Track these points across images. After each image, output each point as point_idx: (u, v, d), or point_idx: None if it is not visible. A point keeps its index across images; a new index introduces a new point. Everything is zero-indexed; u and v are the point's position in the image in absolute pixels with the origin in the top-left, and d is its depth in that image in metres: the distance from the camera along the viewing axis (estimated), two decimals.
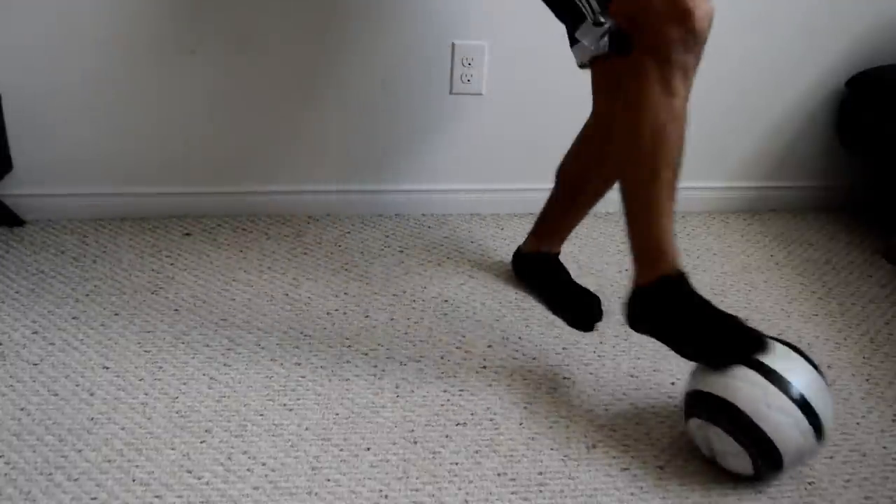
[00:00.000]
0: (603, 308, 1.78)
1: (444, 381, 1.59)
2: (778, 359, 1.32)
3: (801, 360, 1.34)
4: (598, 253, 2.01)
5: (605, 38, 1.41)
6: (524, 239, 1.88)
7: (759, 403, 1.28)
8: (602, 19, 1.40)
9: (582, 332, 1.74)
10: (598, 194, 1.73)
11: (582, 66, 1.53)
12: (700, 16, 1.30)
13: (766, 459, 1.32)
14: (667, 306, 1.37)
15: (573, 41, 1.49)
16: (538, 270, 1.85)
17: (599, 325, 1.76)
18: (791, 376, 1.30)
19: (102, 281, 1.83)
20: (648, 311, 1.41)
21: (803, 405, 1.29)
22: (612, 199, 2.21)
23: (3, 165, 1.94)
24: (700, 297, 1.37)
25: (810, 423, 1.30)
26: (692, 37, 1.32)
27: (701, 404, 1.35)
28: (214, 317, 1.73)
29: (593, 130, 1.65)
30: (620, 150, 1.42)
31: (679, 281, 1.37)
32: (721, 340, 1.34)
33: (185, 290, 1.81)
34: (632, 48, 1.37)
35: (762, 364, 1.30)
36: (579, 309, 1.77)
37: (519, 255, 1.89)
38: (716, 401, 1.32)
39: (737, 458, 1.34)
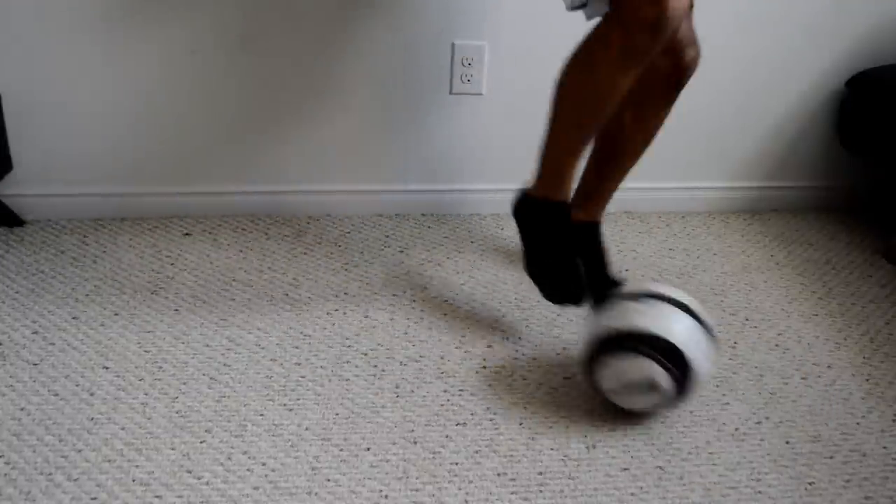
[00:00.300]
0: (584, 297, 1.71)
1: (444, 381, 1.59)
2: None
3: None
4: None
5: None
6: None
7: (667, 322, 1.44)
8: None
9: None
10: (636, 152, 1.77)
11: (571, 9, 1.58)
12: (675, 5, 1.32)
13: (684, 376, 1.43)
14: (542, 220, 1.63)
15: None
16: (586, 242, 1.81)
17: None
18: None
19: (102, 281, 1.83)
20: (528, 215, 1.64)
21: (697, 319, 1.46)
22: (611, 199, 2.21)
23: (3, 165, 1.94)
24: (565, 233, 1.62)
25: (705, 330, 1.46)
26: (663, 21, 1.34)
27: (617, 341, 1.44)
28: (214, 317, 1.73)
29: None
30: (560, 97, 1.54)
31: (561, 209, 1.61)
32: (550, 276, 1.63)
33: (185, 290, 1.81)
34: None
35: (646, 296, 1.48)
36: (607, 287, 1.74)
37: (578, 221, 1.80)
38: (633, 333, 1.44)
39: (652, 386, 1.43)
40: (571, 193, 1.62)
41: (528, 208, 1.63)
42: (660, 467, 1.42)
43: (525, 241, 1.66)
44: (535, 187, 1.62)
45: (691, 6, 1.50)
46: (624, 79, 1.43)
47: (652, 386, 1.42)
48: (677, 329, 1.43)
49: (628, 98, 1.57)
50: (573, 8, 1.57)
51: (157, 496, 1.33)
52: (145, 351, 1.63)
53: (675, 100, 1.66)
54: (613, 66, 1.42)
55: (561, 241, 1.62)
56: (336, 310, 1.77)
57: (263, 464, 1.39)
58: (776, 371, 1.66)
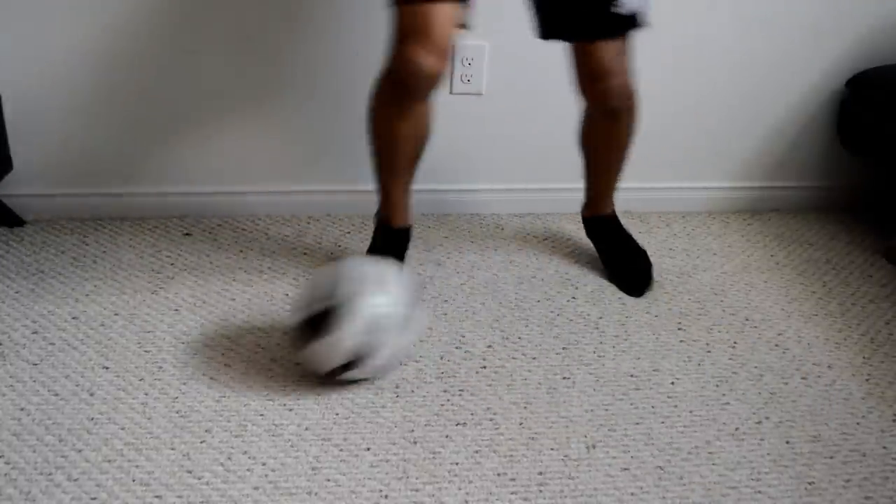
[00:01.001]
0: (653, 274, 1.90)
1: (444, 381, 1.59)
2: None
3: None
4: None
5: None
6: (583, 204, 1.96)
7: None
8: None
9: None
10: (612, 161, 1.86)
11: None
12: (413, 69, 1.52)
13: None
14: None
15: None
16: (598, 233, 1.96)
17: (595, 329, 1.76)
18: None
19: (102, 281, 1.83)
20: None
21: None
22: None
23: (3, 165, 1.94)
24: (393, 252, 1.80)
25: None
26: (412, 80, 1.55)
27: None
28: (214, 317, 1.73)
29: None
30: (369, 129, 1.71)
31: (394, 233, 1.82)
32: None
33: (185, 290, 1.81)
34: None
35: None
36: (630, 275, 1.89)
37: (584, 219, 1.98)
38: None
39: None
40: (406, 218, 1.81)
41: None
42: (660, 467, 1.42)
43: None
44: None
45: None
46: (395, 118, 1.63)
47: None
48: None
49: (593, 114, 1.76)
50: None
51: (157, 496, 1.33)
52: (145, 351, 1.63)
53: (622, 124, 1.75)
54: (380, 103, 1.64)
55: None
56: None
57: (263, 464, 1.39)
58: (776, 371, 1.66)
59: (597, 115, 1.75)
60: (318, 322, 1.47)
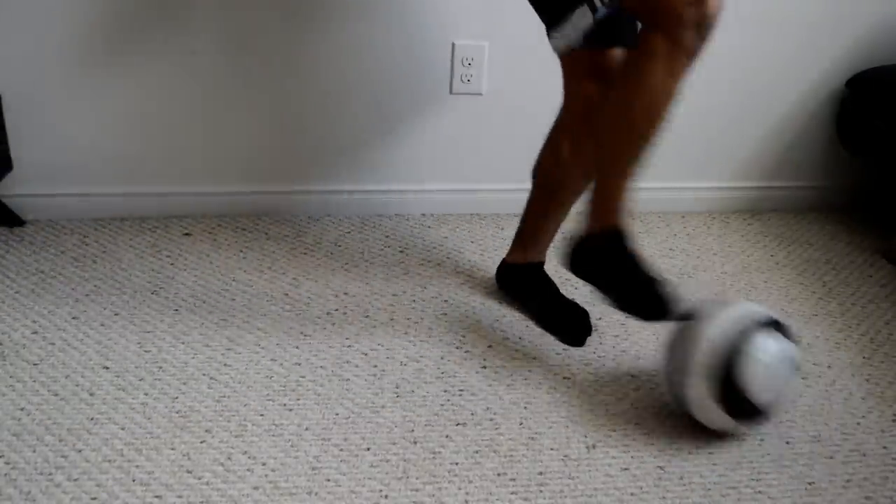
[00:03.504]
0: (591, 322, 1.75)
1: (444, 381, 1.59)
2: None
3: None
4: None
5: (583, 30, 1.46)
6: (508, 250, 1.81)
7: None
8: (599, 4, 1.42)
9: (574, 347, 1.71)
10: (577, 191, 1.68)
11: (560, 53, 1.55)
12: (713, 2, 1.35)
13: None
14: (605, 254, 1.52)
15: (555, 27, 1.51)
16: (525, 283, 1.79)
17: (595, 332, 1.76)
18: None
19: (102, 281, 1.83)
20: (589, 257, 1.54)
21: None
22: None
23: (3, 165, 1.94)
24: (634, 254, 1.50)
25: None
26: (705, 20, 1.37)
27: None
28: (214, 317, 1.73)
29: (570, 119, 1.63)
30: (609, 120, 1.49)
31: (621, 235, 1.50)
32: (638, 299, 1.52)
33: (185, 290, 1.81)
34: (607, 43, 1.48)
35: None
36: (569, 325, 1.73)
37: (504, 267, 1.82)
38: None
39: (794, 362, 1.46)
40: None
41: (599, 248, 1.55)
42: (660, 467, 1.42)
43: (598, 284, 1.58)
44: (595, 225, 1.54)
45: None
46: (676, 82, 1.44)
47: (794, 363, 1.45)
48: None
49: (567, 128, 1.61)
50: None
51: (157, 496, 1.33)
52: (145, 351, 1.63)
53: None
54: (663, 72, 1.42)
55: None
56: (336, 310, 1.77)
57: (263, 464, 1.39)
58: None
59: (588, 122, 1.57)
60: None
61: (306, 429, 1.47)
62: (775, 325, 1.44)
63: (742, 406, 1.41)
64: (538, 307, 1.77)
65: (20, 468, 1.36)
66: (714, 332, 1.41)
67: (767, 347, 1.41)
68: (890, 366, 1.69)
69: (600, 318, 1.78)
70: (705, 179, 2.21)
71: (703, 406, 1.43)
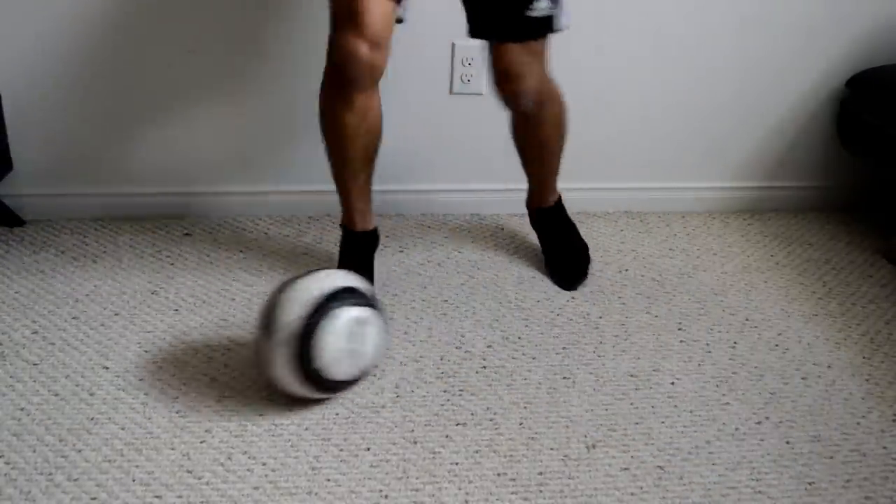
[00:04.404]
0: (588, 269, 1.92)
1: (444, 381, 1.59)
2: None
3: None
4: (599, 253, 2.01)
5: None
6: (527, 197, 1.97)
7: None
8: None
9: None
10: (538, 156, 1.89)
11: None
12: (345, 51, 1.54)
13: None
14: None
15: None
16: (540, 225, 1.98)
17: (595, 331, 1.76)
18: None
19: (102, 281, 1.83)
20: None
21: None
22: (610, 199, 2.22)
23: (3, 165, 1.94)
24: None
25: None
26: (343, 62, 1.56)
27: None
28: (214, 317, 1.73)
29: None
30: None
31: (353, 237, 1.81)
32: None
33: (185, 290, 1.81)
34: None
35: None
36: (563, 267, 1.92)
37: (528, 210, 1.99)
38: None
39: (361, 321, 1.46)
40: (366, 222, 1.81)
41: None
42: (660, 467, 1.42)
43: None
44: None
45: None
46: (340, 109, 1.62)
47: (361, 321, 1.46)
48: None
49: (511, 114, 1.78)
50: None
51: (157, 496, 1.33)
52: (145, 351, 1.63)
53: (540, 124, 1.78)
54: (326, 96, 1.64)
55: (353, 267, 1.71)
56: None
57: (263, 464, 1.39)
58: (776, 371, 1.66)
59: (514, 116, 1.77)
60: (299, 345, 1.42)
61: (306, 429, 1.47)
62: (348, 293, 1.46)
63: (319, 379, 1.44)
64: (546, 247, 1.98)
65: (20, 468, 1.36)
66: (289, 305, 1.43)
67: (333, 323, 1.42)
68: (890, 366, 1.69)
69: (601, 318, 1.78)
70: (705, 179, 2.21)
71: (283, 377, 1.45)
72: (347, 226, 1.81)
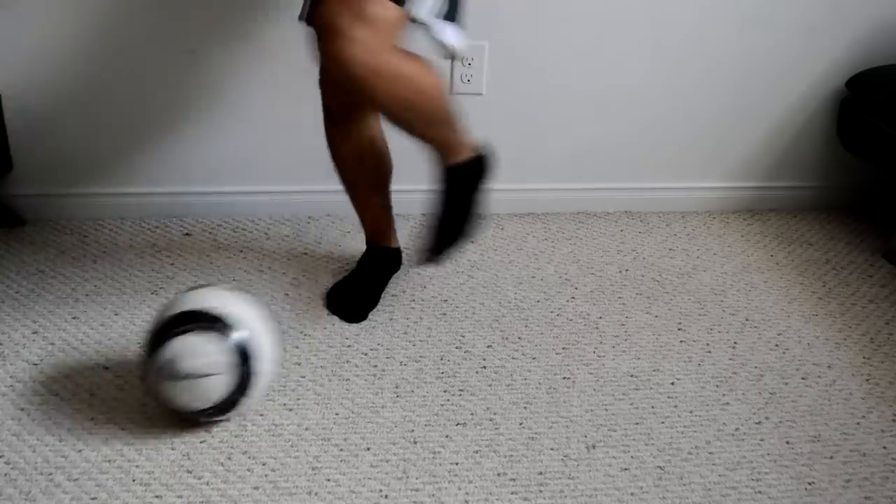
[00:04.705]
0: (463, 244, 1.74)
1: (444, 381, 1.59)
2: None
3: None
4: (599, 253, 2.01)
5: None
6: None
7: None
8: None
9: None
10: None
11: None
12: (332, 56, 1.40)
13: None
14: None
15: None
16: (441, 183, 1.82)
17: (595, 331, 1.76)
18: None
19: (102, 281, 1.83)
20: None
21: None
22: (610, 199, 2.22)
23: (3, 165, 1.94)
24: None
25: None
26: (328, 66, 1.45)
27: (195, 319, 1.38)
28: None
29: None
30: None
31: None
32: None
33: (185, 290, 1.81)
34: None
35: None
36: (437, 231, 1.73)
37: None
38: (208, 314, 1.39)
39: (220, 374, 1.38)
40: (384, 240, 1.85)
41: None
42: (660, 467, 1.42)
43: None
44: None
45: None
46: (339, 140, 1.69)
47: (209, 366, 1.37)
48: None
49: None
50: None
51: (157, 496, 1.33)
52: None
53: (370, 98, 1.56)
54: (326, 128, 1.68)
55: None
56: None
57: (263, 464, 1.39)
58: (776, 371, 1.66)
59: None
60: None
61: (306, 429, 1.47)
62: (188, 320, 1.39)
63: (191, 412, 1.41)
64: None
65: (20, 468, 1.36)
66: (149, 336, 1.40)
67: (161, 366, 1.37)
68: (890, 366, 1.69)
69: (601, 318, 1.78)
70: (705, 179, 2.21)
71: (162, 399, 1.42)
72: (369, 242, 1.86)
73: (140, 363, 1.44)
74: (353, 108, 1.64)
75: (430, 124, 1.59)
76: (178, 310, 1.40)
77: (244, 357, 1.38)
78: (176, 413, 1.42)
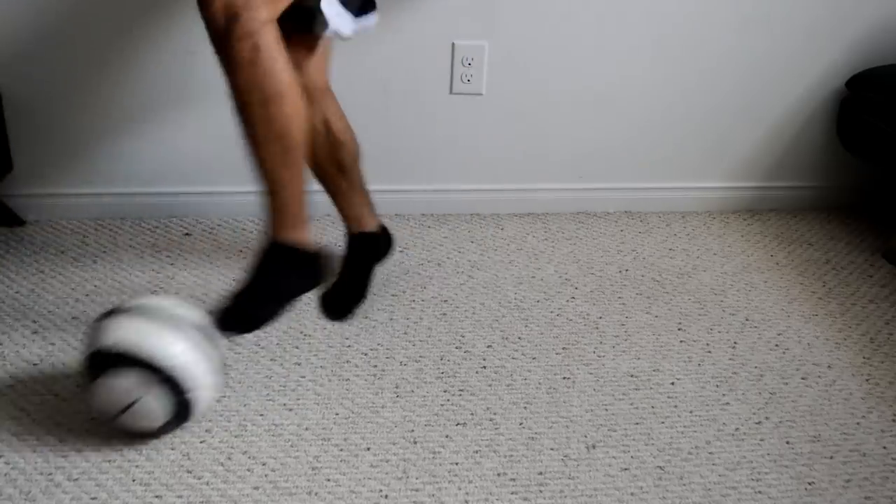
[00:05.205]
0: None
1: (444, 381, 1.59)
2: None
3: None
4: (599, 253, 2.01)
5: None
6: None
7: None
8: None
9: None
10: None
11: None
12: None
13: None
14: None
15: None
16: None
17: (595, 331, 1.76)
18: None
19: (102, 281, 1.83)
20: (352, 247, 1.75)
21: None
22: (610, 199, 2.22)
23: (3, 165, 1.94)
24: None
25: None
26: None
27: (117, 359, 1.33)
28: None
29: None
30: None
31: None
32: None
33: (185, 290, 1.81)
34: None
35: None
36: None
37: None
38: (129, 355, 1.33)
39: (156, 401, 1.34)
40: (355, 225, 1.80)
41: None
42: (660, 467, 1.43)
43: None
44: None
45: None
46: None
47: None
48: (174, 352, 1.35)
49: None
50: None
51: (157, 496, 1.33)
52: None
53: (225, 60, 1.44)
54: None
55: None
56: None
57: (263, 464, 1.39)
58: (776, 371, 1.66)
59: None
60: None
61: (306, 429, 1.47)
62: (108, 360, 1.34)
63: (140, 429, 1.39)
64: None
65: (20, 468, 1.36)
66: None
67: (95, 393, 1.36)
68: (890, 366, 1.69)
69: (601, 318, 1.78)
70: (705, 179, 2.21)
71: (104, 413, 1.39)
72: (347, 229, 1.83)
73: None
74: (309, 91, 1.55)
75: (278, 153, 1.43)
76: (94, 348, 1.35)
77: (175, 388, 1.35)
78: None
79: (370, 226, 1.82)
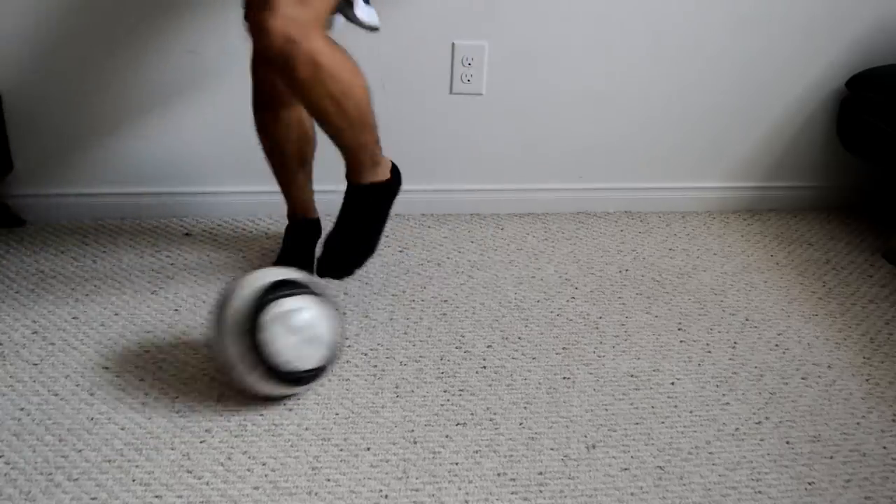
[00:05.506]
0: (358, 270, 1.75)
1: (444, 381, 1.59)
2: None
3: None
4: (599, 253, 2.01)
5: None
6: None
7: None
8: None
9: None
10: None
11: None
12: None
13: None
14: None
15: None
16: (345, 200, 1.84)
17: (595, 331, 1.76)
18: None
19: (102, 281, 1.83)
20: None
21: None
22: (610, 199, 2.22)
23: (3, 165, 1.94)
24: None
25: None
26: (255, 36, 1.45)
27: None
28: None
29: None
30: None
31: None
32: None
33: (185, 290, 1.81)
34: None
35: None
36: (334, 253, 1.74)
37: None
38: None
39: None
40: (307, 211, 1.92)
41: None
42: (660, 467, 1.42)
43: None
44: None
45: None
46: (271, 125, 1.73)
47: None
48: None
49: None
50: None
51: (157, 496, 1.33)
52: (145, 351, 1.63)
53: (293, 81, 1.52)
54: (256, 115, 1.74)
55: None
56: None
57: (263, 464, 1.39)
58: (776, 371, 1.66)
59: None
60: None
61: (306, 429, 1.47)
62: (284, 286, 1.46)
63: (280, 375, 1.45)
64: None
65: (20, 468, 1.36)
66: (236, 305, 1.44)
67: (275, 316, 1.42)
68: (890, 366, 1.69)
69: (601, 318, 1.78)
70: (705, 179, 2.21)
71: (243, 377, 1.46)
72: (292, 216, 1.91)
73: (233, 328, 1.43)
74: (285, 91, 1.62)
75: (356, 128, 1.56)
76: (267, 280, 1.45)
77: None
78: (265, 376, 1.44)
79: (314, 213, 1.93)
